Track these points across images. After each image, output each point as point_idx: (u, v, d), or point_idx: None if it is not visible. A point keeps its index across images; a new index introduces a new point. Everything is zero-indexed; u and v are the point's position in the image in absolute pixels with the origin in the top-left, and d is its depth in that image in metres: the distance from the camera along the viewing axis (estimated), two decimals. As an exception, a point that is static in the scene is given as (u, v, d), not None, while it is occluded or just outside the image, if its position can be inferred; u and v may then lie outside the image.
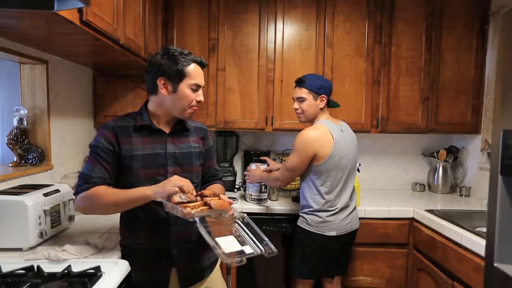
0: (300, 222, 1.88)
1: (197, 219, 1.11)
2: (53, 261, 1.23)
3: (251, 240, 1.19)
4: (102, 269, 1.15)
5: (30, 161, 1.82)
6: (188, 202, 1.16)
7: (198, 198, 1.22)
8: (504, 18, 1.23)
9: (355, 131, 1.98)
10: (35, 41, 1.64)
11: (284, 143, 2.80)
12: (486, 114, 2.41)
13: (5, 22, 1.29)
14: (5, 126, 1.86)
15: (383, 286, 2.20)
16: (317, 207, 1.81)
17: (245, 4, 2.41)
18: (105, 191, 1.23)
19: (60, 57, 1.99)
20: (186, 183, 1.20)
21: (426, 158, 2.80)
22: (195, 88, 1.32)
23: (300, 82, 1.88)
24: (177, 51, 1.30)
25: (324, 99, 1.86)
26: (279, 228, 2.17)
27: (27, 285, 1.04)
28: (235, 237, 1.19)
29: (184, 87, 1.30)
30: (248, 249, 1.14)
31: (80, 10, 1.25)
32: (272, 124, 2.45)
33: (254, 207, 2.20)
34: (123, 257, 1.35)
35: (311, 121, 1.91)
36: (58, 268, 1.14)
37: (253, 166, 2.17)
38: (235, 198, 2.34)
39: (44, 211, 1.40)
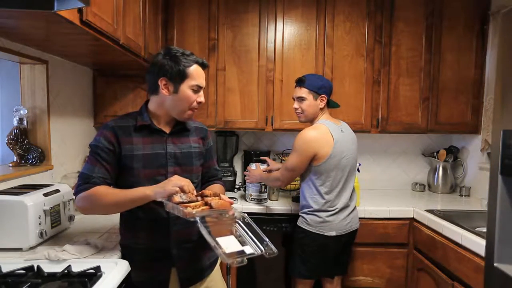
0: (300, 222, 1.88)
1: (198, 218, 1.11)
2: (53, 261, 1.23)
3: (251, 240, 1.19)
4: (102, 269, 1.15)
5: (30, 161, 1.82)
6: (189, 202, 1.16)
7: (199, 198, 1.22)
8: (504, 18, 1.24)
9: (355, 131, 1.98)
10: (35, 41, 1.64)
11: (284, 143, 2.80)
12: (486, 114, 2.41)
13: (5, 22, 1.29)
14: (5, 126, 1.86)
15: (383, 286, 2.20)
16: (317, 207, 1.81)
17: (245, 4, 2.41)
18: (105, 191, 1.23)
19: (60, 57, 1.99)
20: (186, 183, 1.20)
21: (426, 158, 2.80)
22: (196, 89, 1.32)
23: (300, 82, 1.88)
24: (179, 51, 1.30)
25: (324, 99, 1.86)
26: (279, 228, 2.17)
27: (27, 285, 1.04)
28: (236, 237, 1.18)
29: (185, 88, 1.30)
30: (248, 249, 1.14)
31: (80, 10, 1.25)
32: (272, 124, 2.45)
33: (254, 207, 2.20)
34: (123, 257, 1.35)
35: (311, 121, 1.91)
36: (58, 268, 1.14)
37: (253, 166, 2.17)
38: (235, 198, 2.34)
39: (44, 211, 1.40)
